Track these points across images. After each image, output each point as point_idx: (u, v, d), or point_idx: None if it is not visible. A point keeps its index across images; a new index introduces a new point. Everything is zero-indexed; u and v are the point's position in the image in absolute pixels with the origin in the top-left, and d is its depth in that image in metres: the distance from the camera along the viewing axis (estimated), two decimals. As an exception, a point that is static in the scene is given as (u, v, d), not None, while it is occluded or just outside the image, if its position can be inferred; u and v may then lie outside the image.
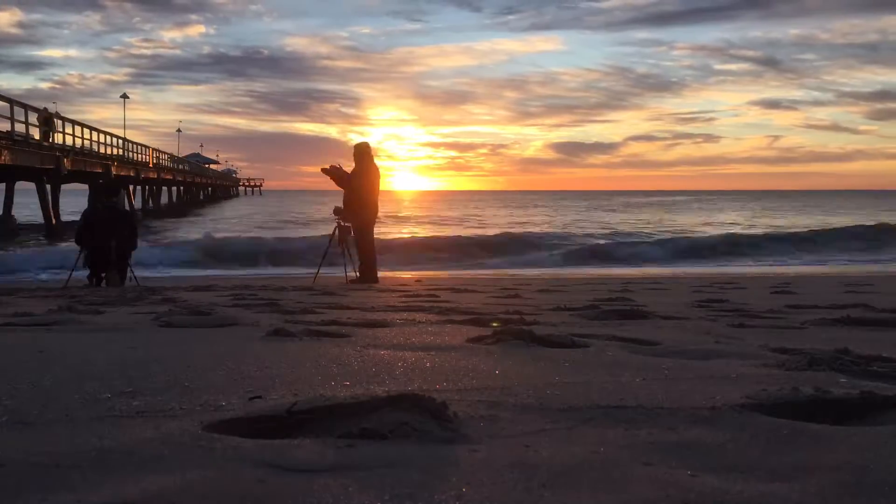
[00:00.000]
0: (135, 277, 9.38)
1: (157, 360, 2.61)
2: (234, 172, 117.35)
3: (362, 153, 9.60)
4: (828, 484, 1.28)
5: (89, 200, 9.47)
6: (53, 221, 27.59)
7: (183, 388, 2.10)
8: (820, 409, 1.80)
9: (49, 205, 27.84)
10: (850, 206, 68.39)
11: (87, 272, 9.25)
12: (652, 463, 1.39)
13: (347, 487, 1.23)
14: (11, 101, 23.78)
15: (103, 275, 9.16)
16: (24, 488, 1.23)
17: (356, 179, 9.51)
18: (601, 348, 2.95)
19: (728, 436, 1.59)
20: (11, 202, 28.99)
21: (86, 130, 31.52)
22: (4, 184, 27.85)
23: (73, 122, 30.20)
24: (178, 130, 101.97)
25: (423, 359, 2.66)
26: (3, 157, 22.06)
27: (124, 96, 59.02)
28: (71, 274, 9.35)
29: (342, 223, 9.81)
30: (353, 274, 9.83)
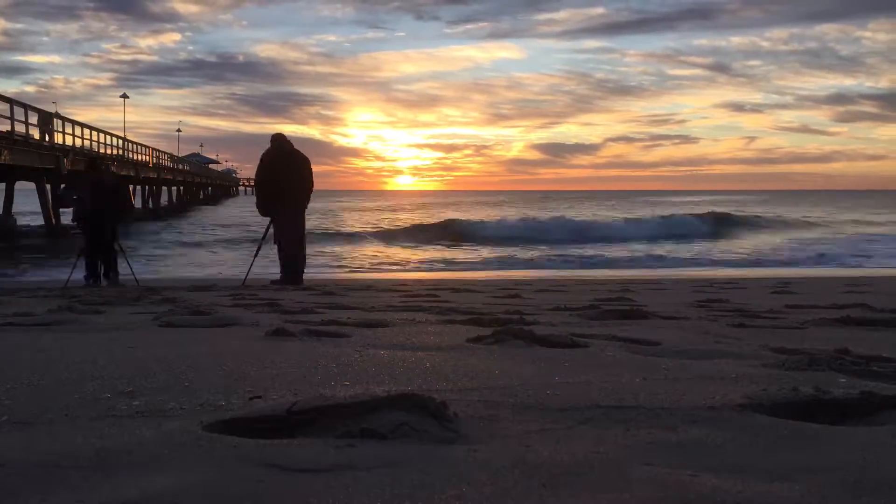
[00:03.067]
0: (132, 272, 9.41)
1: (157, 360, 2.61)
2: (234, 172, 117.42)
3: (272, 141, 8.92)
4: (828, 484, 1.28)
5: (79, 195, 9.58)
6: (53, 221, 27.58)
7: (183, 388, 2.10)
8: (820, 409, 1.80)
9: (49, 205, 27.82)
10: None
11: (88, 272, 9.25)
12: (652, 463, 1.39)
13: (347, 487, 1.23)
14: (11, 102, 23.77)
15: (101, 273, 9.18)
16: (24, 488, 1.23)
17: (260, 169, 8.91)
18: (601, 348, 2.95)
19: (728, 436, 1.59)
20: (11, 202, 28.96)
21: (86, 130, 31.52)
22: (4, 184, 27.83)
23: (74, 122, 30.20)
24: (178, 130, 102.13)
25: (423, 359, 2.66)
26: (3, 157, 22.06)
27: (124, 96, 59.10)
28: (71, 274, 9.35)
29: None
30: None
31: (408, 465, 1.35)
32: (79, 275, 9.29)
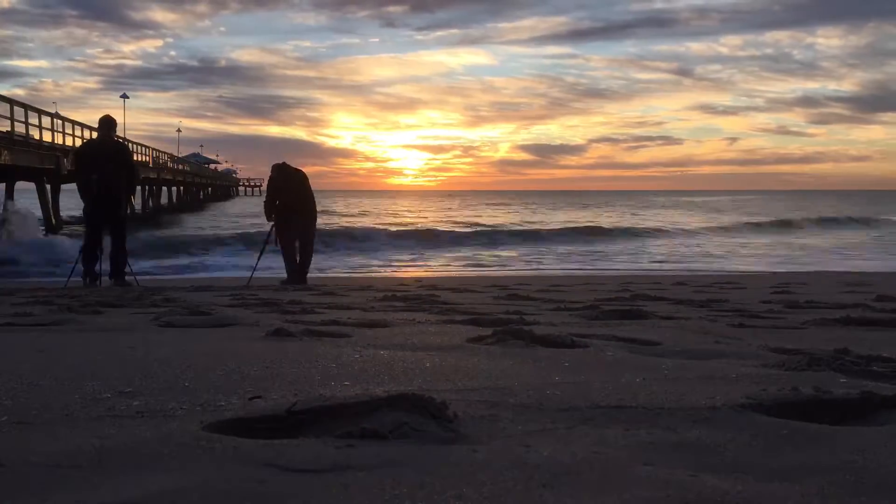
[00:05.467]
0: (132, 272, 9.30)
1: (157, 360, 2.61)
2: (234, 173, 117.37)
3: (274, 170, 9.85)
4: (828, 484, 1.29)
5: (85, 200, 8.70)
6: (53, 221, 27.59)
7: (183, 388, 2.10)
8: (820, 409, 1.80)
9: (49, 205, 27.84)
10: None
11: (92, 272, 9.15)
12: (652, 463, 1.39)
13: (347, 487, 1.23)
14: (11, 102, 23.78)
15: (97, 273, 9.01)
16: (24, 488, 1.23)
17: (298, 183, 9.84)
18: (601, 348, 2.95)
19: (728, 436, 1.59)
20: (11, 202, 28.97)
21: (86, 131, 31.52)
22: (4, 184, 27.86)
23: (74, 123, 30.20)
24: (178, 131, 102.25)
25: (423, 359, 2.66)
26: (3, 157, 22.07)
27: (124, 96, 59.07)
28: (71, 274, 9.33)
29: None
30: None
31: (408, 465, 1.35)
32: (79, 275, 9.20)
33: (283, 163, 10.03)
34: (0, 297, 6.55)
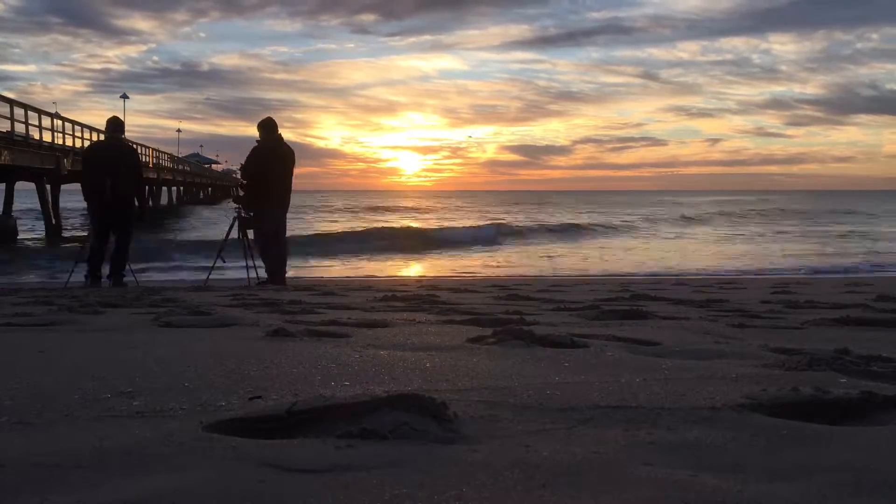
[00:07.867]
0: (132, 272, 9.29)
1: (157, 360, 2.61)
2: (234, 173, 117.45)
3: (269, 128, 8.43)
4: (828, 484, 1.28)
5: (91, 201, 8.56)
6: (53, 221, 27.60)
7: (183, 388, 2.10)
8: (820, 409, 1.80)
9: (49, 205, 27.84)
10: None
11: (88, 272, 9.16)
12: (652, 463, 1.39)
13: (347, 487, 1.23)
14: (12, 102, 23.79)
15: (100, 274, 9.02)
16: (24, 488, 1.23)
17: (277, 161, 8.44)
18: (601, 348, 2.95)
19: (728, 436, 1.59)
20: (11, 202, 28.99)
21: (86, 131, 31.52)
22: (4, 184, 27.86)
23: (74, 123, 30.21)
24: (178, 131, 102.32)
25: (423, 359, 2.66)
26: (3, 157, 22.07)
27: (124, 97, 59.02)
28: (71, 274, 9.33)
29: (244, 214, 8.76)
30: (257, 275, 8.82)
31: (408, 465, 1.35)
32: (79, 275, 9.19)
33: (272, 120, 8.50)
34: (0, 297, 6.55)
